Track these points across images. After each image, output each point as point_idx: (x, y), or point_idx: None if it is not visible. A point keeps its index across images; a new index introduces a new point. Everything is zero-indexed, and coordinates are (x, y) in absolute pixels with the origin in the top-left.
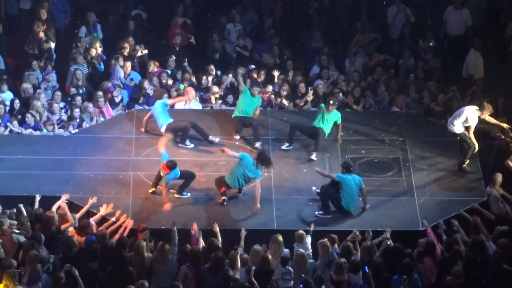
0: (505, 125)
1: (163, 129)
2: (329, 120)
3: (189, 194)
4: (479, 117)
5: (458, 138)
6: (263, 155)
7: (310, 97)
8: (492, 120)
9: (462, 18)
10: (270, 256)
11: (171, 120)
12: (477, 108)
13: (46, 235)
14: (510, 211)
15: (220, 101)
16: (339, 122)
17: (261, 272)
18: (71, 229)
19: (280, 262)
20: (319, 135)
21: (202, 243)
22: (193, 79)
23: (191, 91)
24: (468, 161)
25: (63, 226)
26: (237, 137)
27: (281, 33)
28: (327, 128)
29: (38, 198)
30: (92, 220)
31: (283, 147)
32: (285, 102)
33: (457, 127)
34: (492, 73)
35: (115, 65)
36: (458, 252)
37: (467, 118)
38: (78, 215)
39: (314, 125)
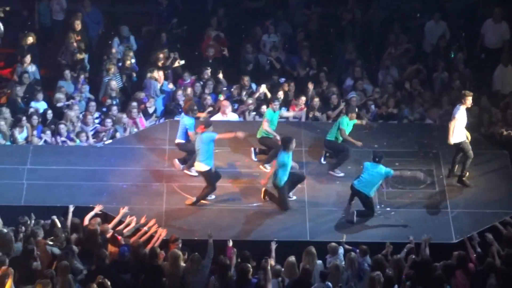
0: None
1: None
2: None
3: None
4: (467, 109)
5: (460, 146)
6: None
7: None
8: None
9: (501, 31)
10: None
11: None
12: (459, 104)
13: (90, 248)
14: None
15: (254, 113)
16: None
17: (299, 284)
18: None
19: (319, 276)
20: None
21: (234, 260)
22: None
23: (227, 104)
24: (468, 173)
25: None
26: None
27: (315, 45)
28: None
29: (71, 208)
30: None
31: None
32: (318, 114)
33: (456, 135)
34: None
35: (150, 78)
36: (491, 265)
37: (459, 119)
38: (110, 226)
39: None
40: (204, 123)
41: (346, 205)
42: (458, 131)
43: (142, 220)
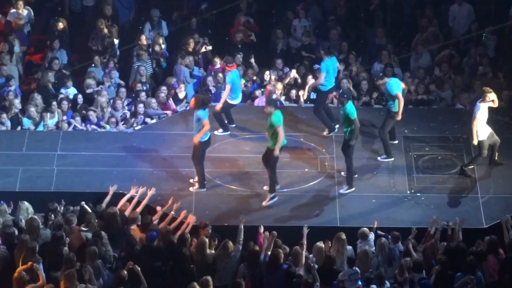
0: None
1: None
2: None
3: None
4: (488, 106)
5: (479, 142)
6: None
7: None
8: None
9: None
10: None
11: None
12: (480, 100)
13: (112, 232)
14: None
15: (283, 97)
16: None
17: (324, 271)
18: (134, 226)
19: (346, 262)
20: None
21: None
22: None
23: (272, 90)
24: (471, 166)
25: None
26: None
27: (345, 30)
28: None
29: (112, 190)
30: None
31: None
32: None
33: (479, 134)
34: None
35: (181, 64)
36: None
37: (480, 118)
38: (138, 210)
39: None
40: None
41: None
42: (481, 128)
43: (174, 208)
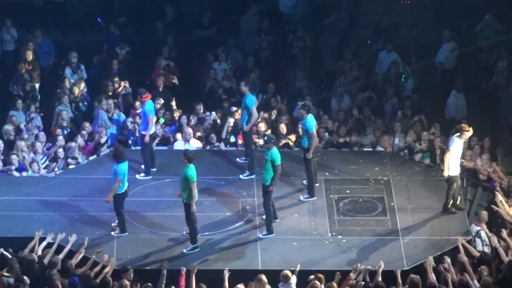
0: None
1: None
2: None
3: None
4: (464, 142)
5: (450, 178)
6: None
7: (293, 138)
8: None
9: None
10: None
11: None
12: (457, 134)
13: (29, 277)
14: (499, 246)
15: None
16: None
17: None
18: (54, 271)
19: None
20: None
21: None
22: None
23: (189, 132)
24: (452, 201)
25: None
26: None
27: (266, 73)
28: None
29: (38, 235)
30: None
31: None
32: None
33: (451, 168)
34: (477, 111)
35: (98, 107)
36: None
37: (453, 148)
38: (61, 256)
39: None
40: None
41: None
42: (454, 163)
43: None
